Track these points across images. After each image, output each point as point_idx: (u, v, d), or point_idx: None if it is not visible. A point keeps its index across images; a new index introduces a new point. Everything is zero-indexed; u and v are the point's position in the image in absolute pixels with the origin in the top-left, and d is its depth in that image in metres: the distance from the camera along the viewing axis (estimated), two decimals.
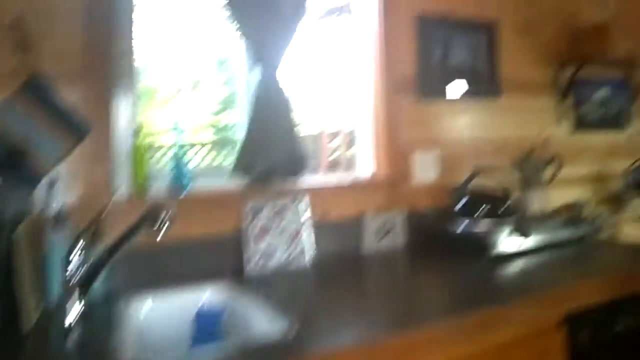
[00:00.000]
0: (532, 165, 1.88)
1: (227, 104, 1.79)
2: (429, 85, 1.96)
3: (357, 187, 1.79)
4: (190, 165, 1.58)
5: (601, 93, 2.47)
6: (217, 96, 1.80)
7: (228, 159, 1.71)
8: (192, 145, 1.69)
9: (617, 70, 2.51)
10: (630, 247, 1.72)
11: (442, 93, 2.00)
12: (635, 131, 2.62)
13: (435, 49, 2.00)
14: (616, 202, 2.42)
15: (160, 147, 1.61)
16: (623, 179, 2.39)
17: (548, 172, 1.93)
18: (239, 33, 1.50)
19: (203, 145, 1.74)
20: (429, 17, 1.98)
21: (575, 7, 2.37)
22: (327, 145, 1.96)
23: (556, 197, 2.23)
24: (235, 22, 1.49)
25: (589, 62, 2.31)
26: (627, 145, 2.57)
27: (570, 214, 1.82)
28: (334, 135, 1.96)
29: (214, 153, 1.75)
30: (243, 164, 1.50)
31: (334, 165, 1.93)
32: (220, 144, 1.77)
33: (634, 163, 2.36)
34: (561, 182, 2.28)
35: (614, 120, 2.55)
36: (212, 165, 1.71)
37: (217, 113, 1.82)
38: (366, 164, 1.91)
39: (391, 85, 1.89)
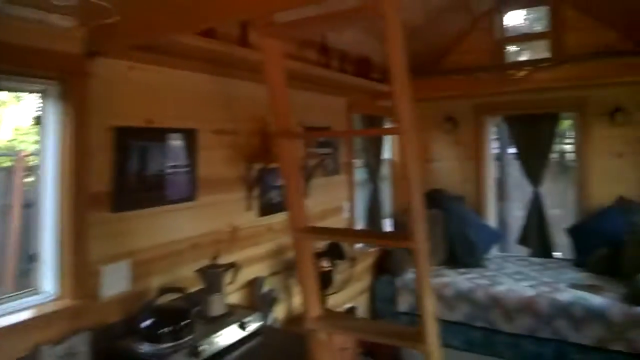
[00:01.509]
0: (214, 273, 2.18)
1: None
2: (125, 197, 2.03)
3: (35, 318, 1.74)
4: None
5: (281, 181, 3.00)
6: None
7: None
8: None
9: None
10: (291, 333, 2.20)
11: (139, 204, 2.10)
12: (309, 206, 3.27)
13: (132, 159, 2.08)
14: (289, 269, 3.00)
15: None
16: None
17: (228, 277, 2.26)
18: None
19: None
20: (126, 128, 2.04)
21: (264, 114, 2.81)
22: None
23: (243, 275, 2.66)
24: None
25: (274, 161, 2.78)
26: None
27: (240, 315, 2.18)
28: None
29: None
30: None
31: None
32: None
33: None
34: (247, 261, 2.72)
35: None
36: None
37: None
38: (50, 287, 1.86)
39: (82, 201, 1.88)
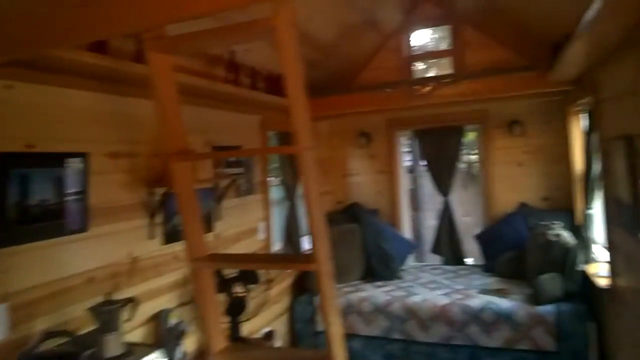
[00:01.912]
0: (108, 311, 1.99)
1: None
2: (1, 232, 1.81)
3: None
4: None
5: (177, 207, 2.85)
6: None
7: None
8: None
9: (203, 183, 2.97)
10: None
11: (18, 238, 1.88)
12: (220, 229, 3.15)
13: (9, 188, 1.86)
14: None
15: None
16: None
17: (125, 314, 2.08)
18: None
19: None
20: (1, 155, 1.82)
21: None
22: None
23: (147, 309, 2.47)
24: None
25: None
26: (215, 243, 3.07)
27: (141, 353, 2.00)
28: None
29: None
30: None
31: None
32: None
33: None
34: (151, 294, 2.54)
35: (203, 225, 2.98)
36: None
37: None
38: None
39: None
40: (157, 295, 2.59)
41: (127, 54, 2.33)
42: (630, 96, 2.26)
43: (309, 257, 1.50)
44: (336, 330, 1.53)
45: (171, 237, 2.69)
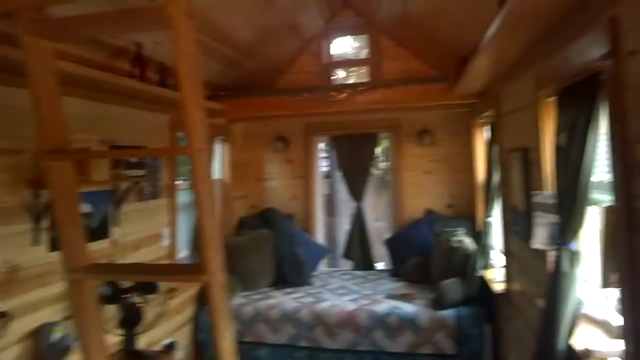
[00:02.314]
0: None
1: None
2: None
3: None
4: None
5: (83, 209, 2.61)
6: None
7: None
8: None
9: (98, 185, 2.74)
10: None
11: None
12: (118, 235, 2.92)
13: None
14: None
15: None
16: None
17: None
18: None
19: None
20: None
21: None
22: None
23: (26, 324, 2.21)
24: None
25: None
26: (111, 250, 2.84)
27: None
28: None
29: None
30: None
31: None
32: None
33: None
34: (32, 307, 2.27)
35: (98, 230, 2.74)
36: None
37: None
38: None
39: None
40: (40, 307, 2.33)
41: (9, 39, 2.07)
42: (526, 110, 2.40)
43: (199, 268, 1.39)
44: (227, 347, 1.44)
45: (56, 245, 2.44)
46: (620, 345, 1.43)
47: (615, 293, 1.51)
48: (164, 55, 3.24)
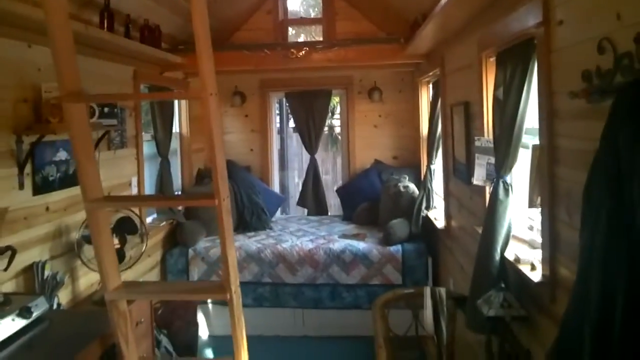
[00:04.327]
0: None
1: None
2: None
3: None
4: None
5: (60, 155, 2.71)
6: None
7: None
8: None
9: None
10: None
11: None
12: None
13: None
14: (73, 251, 2.77)
15: None
16: (79, 230, 2.76)
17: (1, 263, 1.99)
18: None
19: None
20: None
21: (37, 80, 2.49)
22: None
23: (18, 261, 2.35)
24: None
25: (50, 132, 2.49)
26: None
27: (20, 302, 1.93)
28: None
29: None
30: None
31: None
32: None
33: None
34: (22, 246, 2.41)
35: (74, 177, 2.85)
36: None
37: None
38: None
39: None
40: (28, 247, 2.47)
41: None
42: (469, 69, 2.78)
43: (210, 194, 1.64)
44: (232, 258, 1.72)
45: (43, 188, 2.56)
46: (540, 254, 1.87)
47: (537, 214, 1.93)
48: (130, 7, 3.29)
